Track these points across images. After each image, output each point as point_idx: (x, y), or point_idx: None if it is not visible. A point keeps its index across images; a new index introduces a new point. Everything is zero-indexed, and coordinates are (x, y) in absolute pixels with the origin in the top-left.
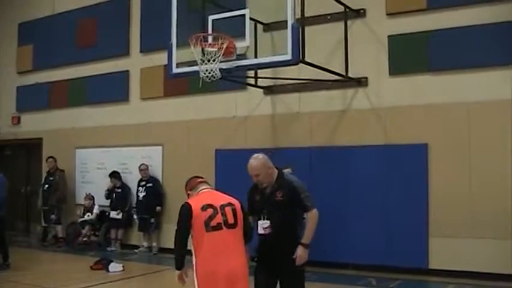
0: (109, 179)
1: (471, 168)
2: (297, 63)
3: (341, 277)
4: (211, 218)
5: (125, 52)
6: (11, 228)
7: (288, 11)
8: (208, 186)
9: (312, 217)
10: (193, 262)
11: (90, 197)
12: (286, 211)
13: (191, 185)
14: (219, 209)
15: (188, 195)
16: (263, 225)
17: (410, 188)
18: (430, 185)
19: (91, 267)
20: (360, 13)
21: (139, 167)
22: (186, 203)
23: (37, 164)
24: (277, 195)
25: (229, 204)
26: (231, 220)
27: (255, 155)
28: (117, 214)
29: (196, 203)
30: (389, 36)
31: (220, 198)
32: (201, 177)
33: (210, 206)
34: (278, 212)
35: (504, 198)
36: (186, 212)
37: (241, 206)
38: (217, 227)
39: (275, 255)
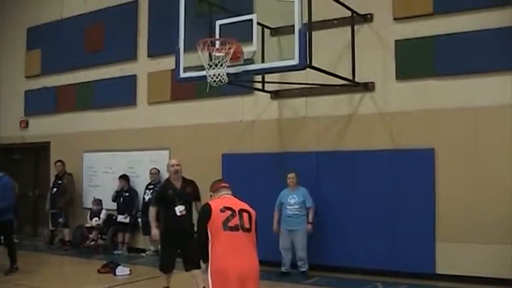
0: (117, 182)
1: (478, 173)
2: (304, 68)
3: (348, 282)
4: (228, 219)
5: (133, 56)
6: (18, 232)
7: (295, 15)
8: (230, 193)
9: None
10: (209, 259)
11: (98, 202)
12: (191, 200)
13: (215, 187)
14: (237, 212)
15: (211, 196)
16: (180, 210)
17: (417, 193)
18: (437, 189)
19: (98, 271)
20: (367, 18)
21: (150, 170)
22: (207, 203)
23: (45, 168)
24: (187, 189)
25: (246, 210)
26: (247, 224)
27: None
28: (124, 218)
29: (216, 204)
30: (396, 41)
31: (239, 204)
32: (226, 183)
33: (229, 208)
34: (187, 200)
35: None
36: (205, 211)
37: (255, 215)
38: (235, 228)
39: (182, 228)
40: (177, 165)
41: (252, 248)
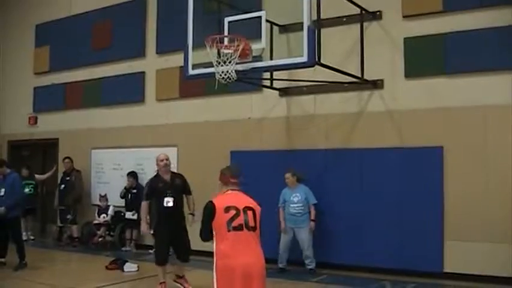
0: (125, 179)
1: (487, 172)
2: (312, 65)
3: (355, 279)
4: (233, 219)
5: (141, 53)
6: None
7: (304, 13)
8: (237, 188)
9: (193, 198)
10: (214, 257)
11: (106, 198)
12: (181, 192)
13: (224, 179)
14: (241, 211)
15: (219, 185)
16: (168, 201)
17: (425, 191)
18: (446, 188)
19: (106, 267)
20: (376, 15)
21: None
22: (211, 201)
23: (53, 164)
24: (176, 181)
25: (251, 208)
26: (251, 223)
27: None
28: (133, 215)
29: (220, 202)
30: (405, 39)
31: (244, 201)
32: (235, 178)
33: (233, 207)
34: (178, 193)
35: None
36: (209, 210)
37: (260, 211)
38: (239, 228)
39: (174, 218)
40: (166, 159)
41: (256, 246)
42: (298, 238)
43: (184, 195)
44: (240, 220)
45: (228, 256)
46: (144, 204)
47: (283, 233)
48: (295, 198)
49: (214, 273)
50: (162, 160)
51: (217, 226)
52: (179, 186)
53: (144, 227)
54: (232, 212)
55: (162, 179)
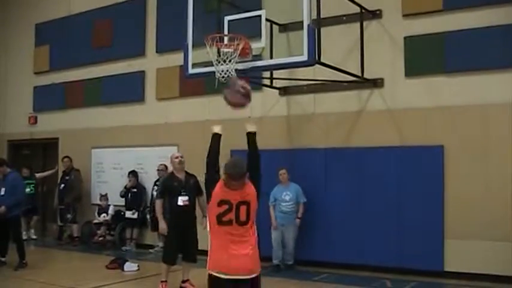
0: (125, 178)
1: (487, 170)
2: (312, 64)
3: (356, 278)
4: (223, 214)
5: (141, 52)
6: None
7: (304, 11)
8: (238, 185)
9: (204, 199)
10: (209, 250)
11: (106, 197)
12: (194, 192)
13: (225, 178)
14: (234, 206)
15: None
16: (183, 199)
17: (425, 190)
18: (446, 186)
19: (106, 267)
20: (376, 14)
21: (157, 167)
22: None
23: (53, 164)
24: (190, 181)
25: (246, 202)
26: (243, 218)
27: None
28: (133, 214)
29: (216, 193)
30: (405, 37)
31: (240, 195)
32: (237, 180)
33: (227, 202)
34: (191, 192)
35: None
36: (212, 184)
37: (257, 197)
38: (228, 223)
39: (187, 217)
40: (181, 157)
41: (247, 239)
42: (285, 235)
43: (196, 197)
44: (230, 215)
45: (219, 248)
46: (159, 203)
47: (274, 230)
48: (287, 196)
49: (207, 263)
50: (176, 157)
51: (209, 211)
52: (193, 186)
53: (163, 225)
54: (224, 207)
55: (176, 177)
